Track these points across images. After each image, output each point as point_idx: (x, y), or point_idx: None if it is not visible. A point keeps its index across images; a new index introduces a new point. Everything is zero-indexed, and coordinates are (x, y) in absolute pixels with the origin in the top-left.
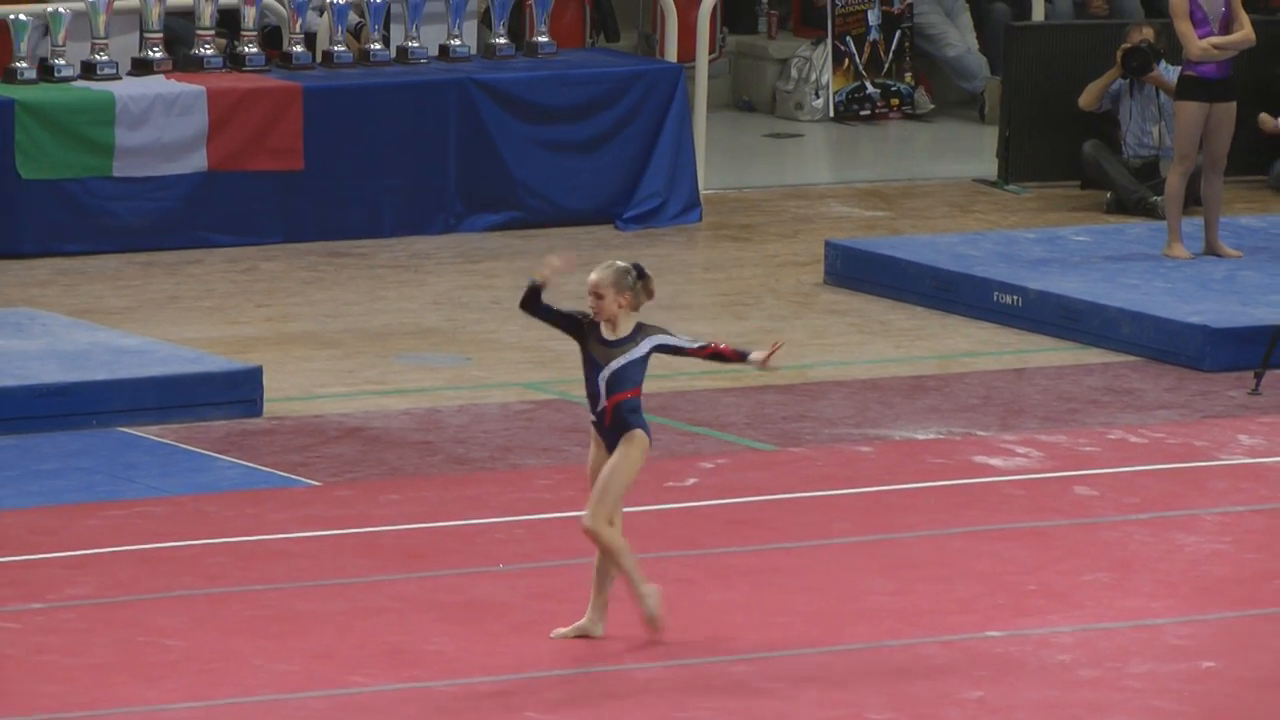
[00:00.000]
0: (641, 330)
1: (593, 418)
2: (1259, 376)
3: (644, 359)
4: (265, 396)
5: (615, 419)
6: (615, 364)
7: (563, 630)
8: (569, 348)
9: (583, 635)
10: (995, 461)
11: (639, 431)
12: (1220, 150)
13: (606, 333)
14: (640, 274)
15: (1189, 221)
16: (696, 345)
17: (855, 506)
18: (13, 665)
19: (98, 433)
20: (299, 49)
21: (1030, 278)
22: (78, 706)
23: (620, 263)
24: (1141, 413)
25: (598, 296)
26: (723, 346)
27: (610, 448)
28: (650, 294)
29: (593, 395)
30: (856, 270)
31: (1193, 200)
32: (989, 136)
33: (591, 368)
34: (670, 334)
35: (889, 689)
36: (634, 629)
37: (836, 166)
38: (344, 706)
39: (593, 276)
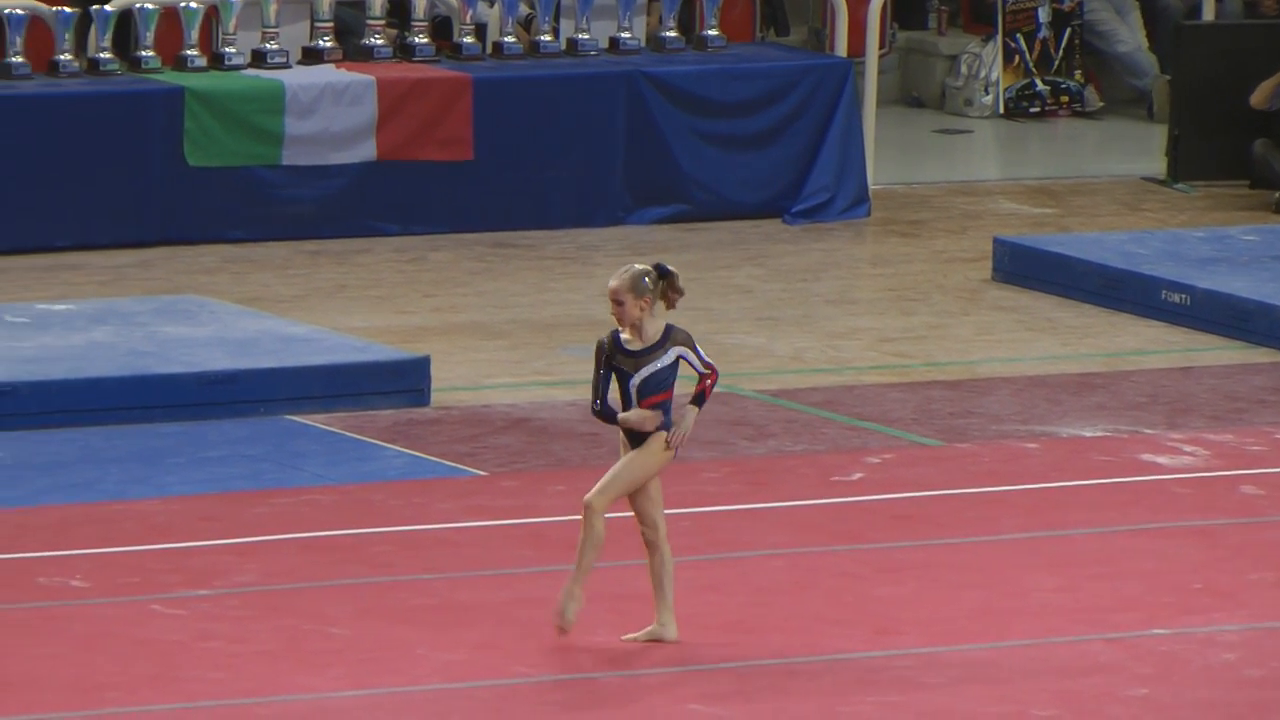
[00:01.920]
0: (670, 336)
1: None
2: None
3: (672, 366)
4: (432, 386)
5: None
6: (644, 371)
7: (634, 635)
8: (738, 341)
9: (655, 639)
10: (1162, 460)
11: (665, 433)
12: None
13: (631, 342)
14: (662, 273)
15: None
16: (702, 372)
17: (1021, 503)
18: (178, 652)
19: (265, 421)
20: (469, 40)
21: (1198, 277)
22: (242, 693)
23: (638, 266)
24: None
25: (617, 303)
26: (706, 384)
27: (634, 445)
28: (678, 291)
29: (624, 401)
30: (1024, 267)
31: None
32: (1157, 135)
33: (622, 378)
34: (694, 349)
35: (1053, 686)
36: (794, 624)
37: (1005, 163)
38: (507, 696)
39: (611, 284)
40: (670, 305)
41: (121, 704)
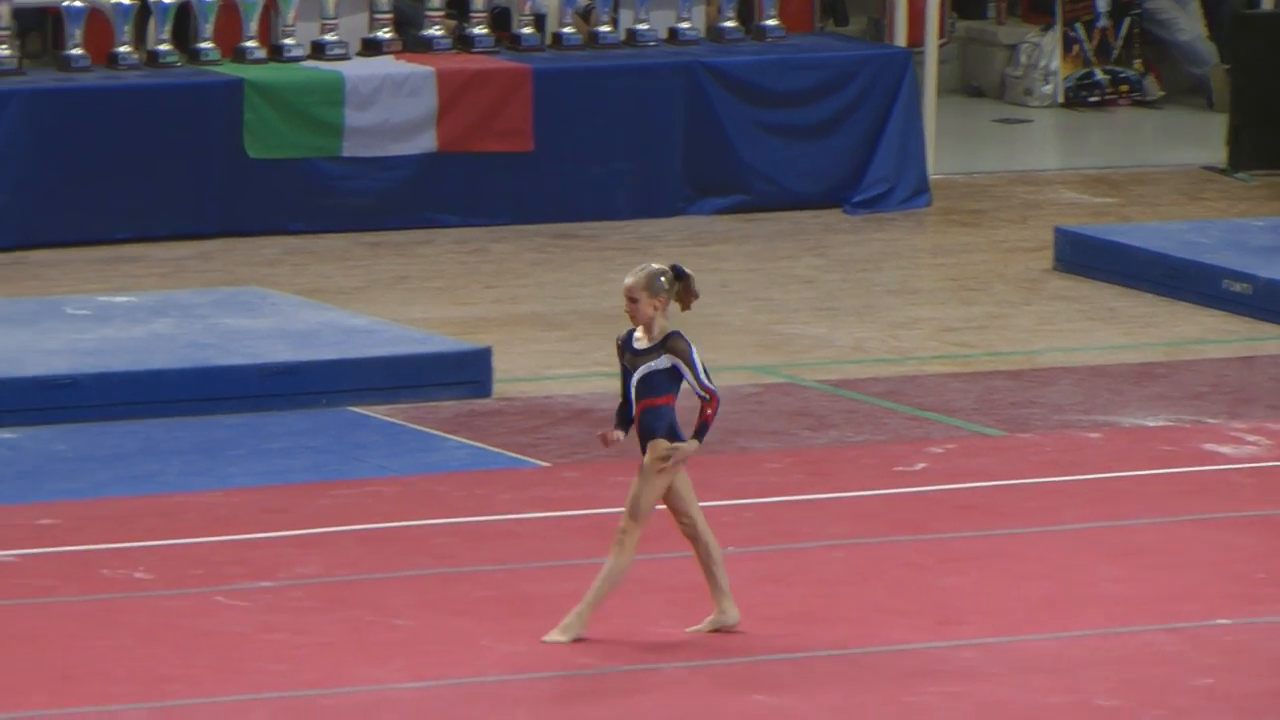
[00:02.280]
0: (668, 342)
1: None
2: None
3: (669, 371)
4: (494, 377)
5: (641, 424)
6: (641, 371)
7: (697, 626)
8: (799, 331)
9: (719, 629)
10: (1224, 449)
11: (658, 441)
12: None
13: (640, 340)
14: (679, 274)
15: None
16: (701, 395)
17: (1083, 493)
18: (241, 643)
19: (326, 412)
20: (528, 31)
21: (1260, 266)
22: (305, 685)
23: (655, 265)
24: None
25: (632, 300)
26: (707, 414)
27: (642, 451)
28: (693, 294)
29: (624, 398)
30: (1085, 257)
31: None
32: (1217, 124)
33: (625, 376)
34: (691, 364)
35: (1117, 676)
36: (856, 615)
37: (1065, 153)
38: (569, 687)
39: (626, 281)
40: (685, 307)
41: (184, 696)
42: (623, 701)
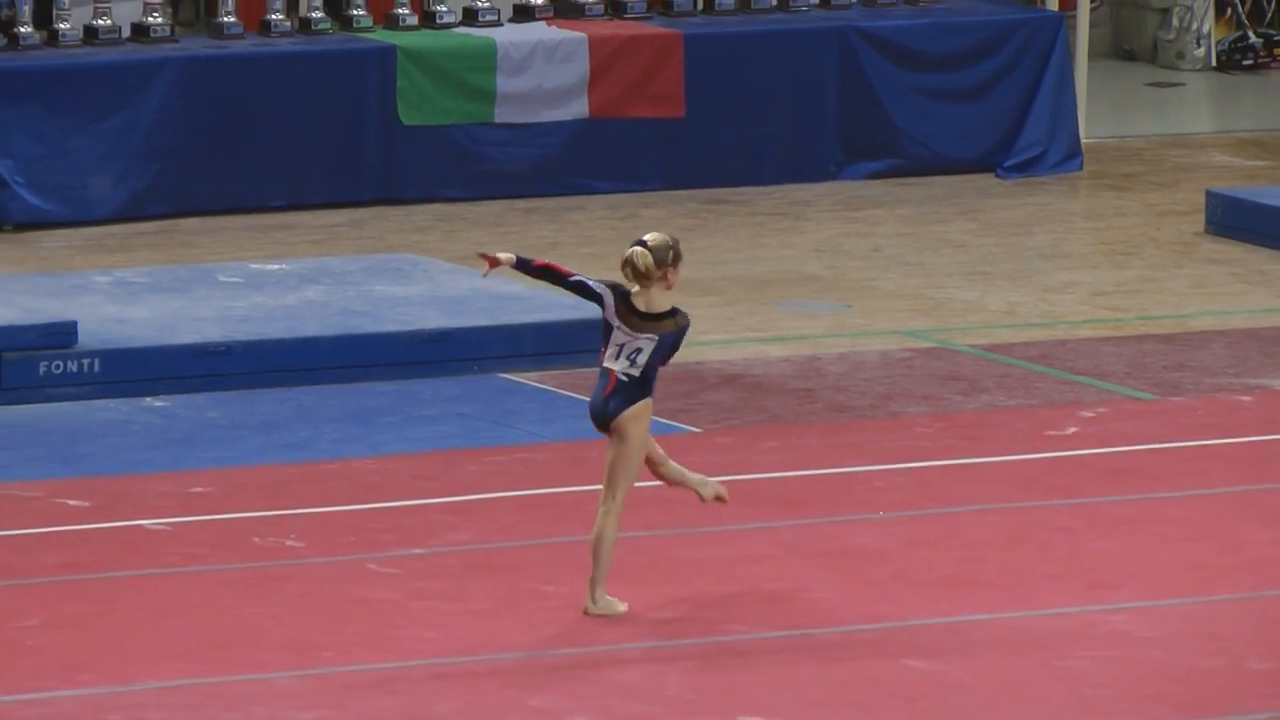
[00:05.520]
0: (678, 318)
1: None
2: None
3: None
4: None
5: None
6: (644, 338)
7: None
8: (950, 295)
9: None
10: None
11: (633, 418)
12: None
13: (638, 301)
14: (678, 254)
15: None
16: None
17: (1236, 456)
18: (392, 610)
19: (478, 378)
20: None
21: None
22: (455, 652)
23: (667, 236)
24: None
25: (653, 266)
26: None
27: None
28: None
29: (574, 285)
30: (1238, 220)
31: None
32: None
33: (619, 335)
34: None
35: (1270, 638)
36: (1007, 579)
37: (1218, 116)
38: (722, 652)
39: (650, 241)
40: (668, 285)
41: (335, 663)
42: (772, 667)
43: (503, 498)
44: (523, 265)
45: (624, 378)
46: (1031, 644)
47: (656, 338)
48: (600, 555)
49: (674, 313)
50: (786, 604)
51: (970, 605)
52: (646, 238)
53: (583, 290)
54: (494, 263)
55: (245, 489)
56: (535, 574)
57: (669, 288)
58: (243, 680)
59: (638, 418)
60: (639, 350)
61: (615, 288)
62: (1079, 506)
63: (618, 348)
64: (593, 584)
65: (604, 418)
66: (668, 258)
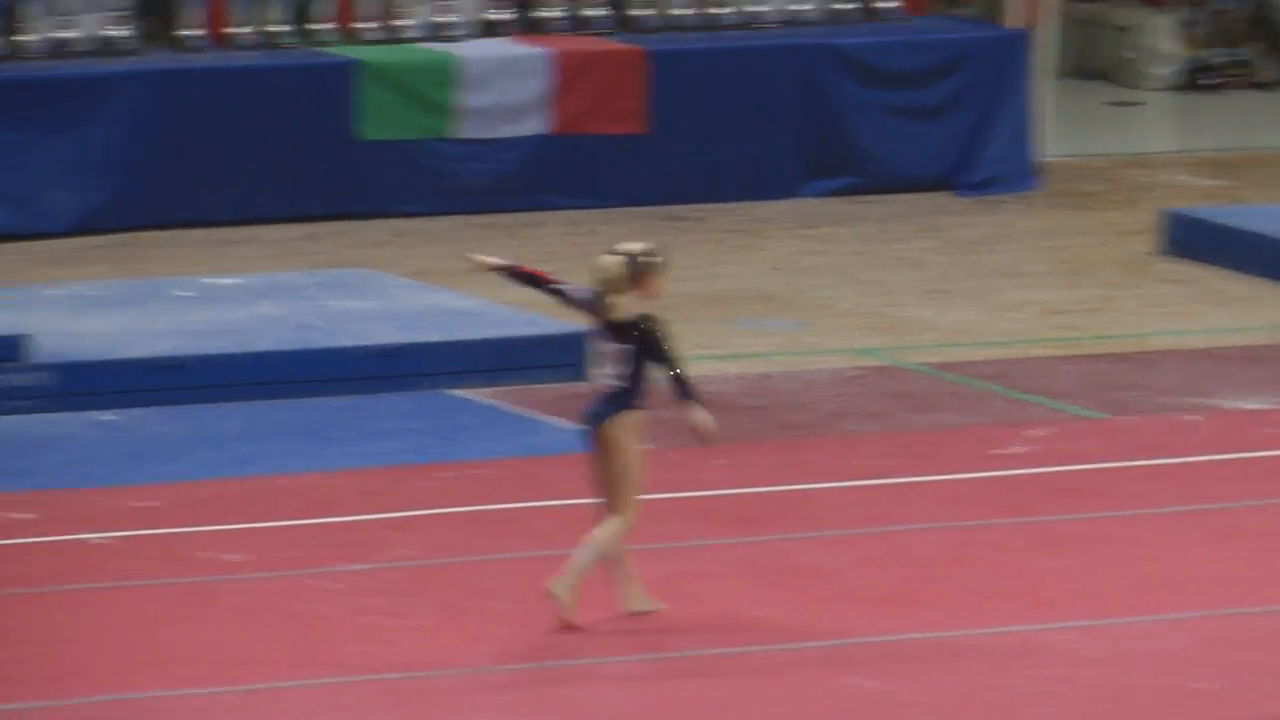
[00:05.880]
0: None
1: None
2: None
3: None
4: None
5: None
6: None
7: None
8: (906, 313)
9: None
10: None
11: (624, 428)
12: None
13: (613, 310)
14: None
15: None
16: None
17: (1185, 476)
18: (334, 626)
19: (429, 394)
20: (644, 12)
21: None
22: (397, 667)
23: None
24: None
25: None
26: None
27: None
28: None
29: (552, 289)
30: (1195, 239)
31: None
32: None
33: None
34: (660, 345)
35: (1216, 659)
36: (953, 598)
37: (1178, 135)
38: (661, 671)
39: (631, 249)
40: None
41: (277, 678)
42: (712, 685)
43: (449, 513)
44: (511, 271)
45: (612, 387)
46: (977, 662)
47: (629, 347)
48: (616, 562)
49: (642, 320)
50: (733, 621)
51: (916, 623)
52: (620, 246)
53: (564, 299)
54: (485, 267)
55: (191, 503)
56: (479, 590)
57: (651, 297)
58: (184, 695)
59: (627, 430)
60: (618, 359)
61: (596, 296)
62: (1026, 525)
63: (603, 357)
64: (627, 583)
65: (592, 423)
66: (636, 267)
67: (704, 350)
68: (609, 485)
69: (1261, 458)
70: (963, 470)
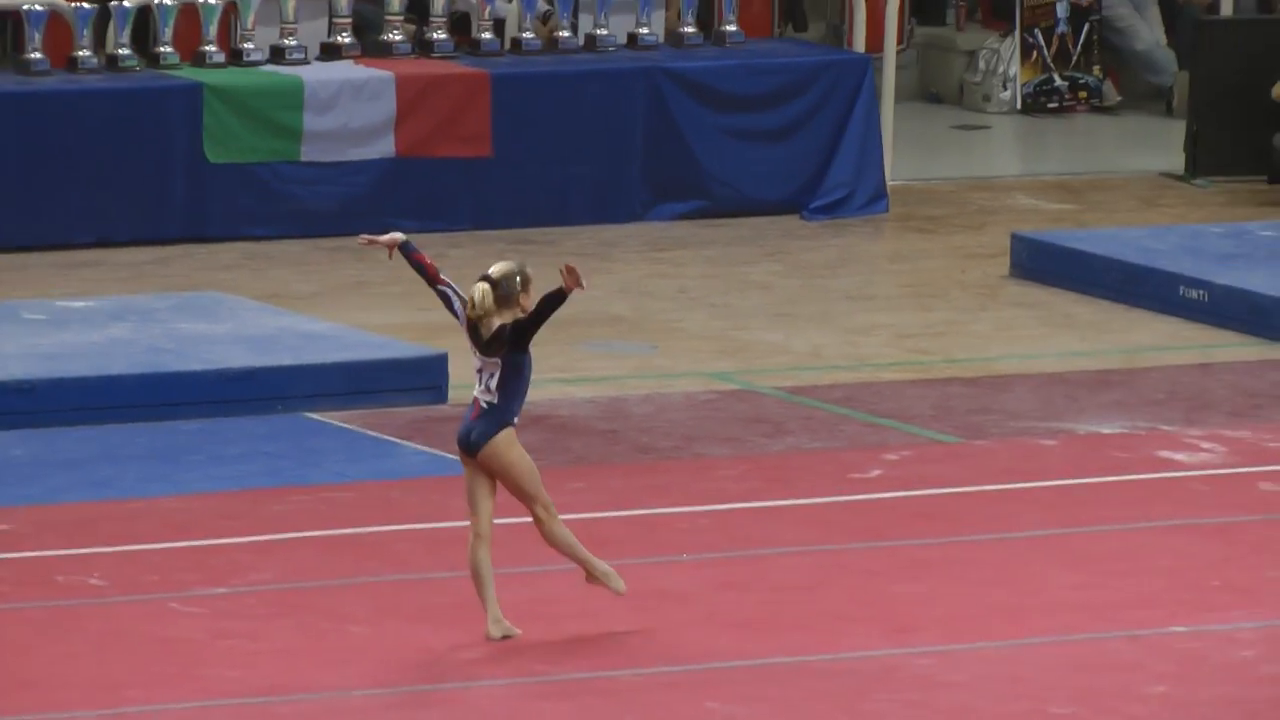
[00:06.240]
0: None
1: None
2: None
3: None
4: (451, 383)
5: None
6: (493, 365)
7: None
8: (755, 337)
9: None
10: (1180, 456)
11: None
12: None
13: (481, 329)
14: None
15: None
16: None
17: (1039, 500)
18: (195, 649)
19: (283, 418)
20: (488, 36)
21: (1217, 273)
22: (259, 691)
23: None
24: None
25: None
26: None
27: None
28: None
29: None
30: (1042, 263)
31: None
32: (1176, 130)
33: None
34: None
35: (1072, 683)
36: (811, 622)
37: (1023, 159)
38: (525, 694)
39: (500, 271)
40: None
41: (139, 702)
42: (574, 708)
43: (306, 537)
44: (405, 251)
45: (485, 405)
46: (834, 686)
47: (498, 361)
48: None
49: (501, 331)
50: (589, 645)
51: (774, 647)
52: (492, 270)
53: (444, 302)
54: (379, 244)
55: (48, 527)
56: (338, 613)
57: (523, 312)
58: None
59: (508, 444)
60: (491, 375)
61: (470, 324)
62: (883, 549)
63: (477, 373)
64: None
65: (469, 444)
66: (514, 289)
67: (555, 373)
68: (517, 497)
69: (1115, 482)
70: (819, 494)
